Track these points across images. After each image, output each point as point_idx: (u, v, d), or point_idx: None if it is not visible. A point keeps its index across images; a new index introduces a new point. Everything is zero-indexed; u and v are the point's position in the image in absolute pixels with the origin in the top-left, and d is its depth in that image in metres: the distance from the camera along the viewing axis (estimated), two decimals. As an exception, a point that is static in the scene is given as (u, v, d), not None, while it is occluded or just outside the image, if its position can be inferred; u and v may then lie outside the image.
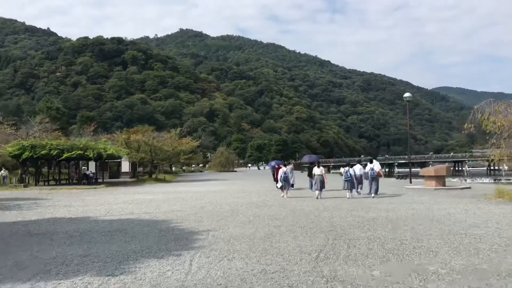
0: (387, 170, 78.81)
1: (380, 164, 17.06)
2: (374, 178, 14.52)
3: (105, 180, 31.02)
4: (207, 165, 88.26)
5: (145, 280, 4.58)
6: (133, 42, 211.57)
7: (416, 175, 27.48)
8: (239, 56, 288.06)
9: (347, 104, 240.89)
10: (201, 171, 74.94)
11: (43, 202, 14.97)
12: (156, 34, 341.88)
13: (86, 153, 25.65)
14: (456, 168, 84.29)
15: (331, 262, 5.17)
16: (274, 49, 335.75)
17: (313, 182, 15.46)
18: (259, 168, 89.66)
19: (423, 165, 74.80)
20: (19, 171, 28.35)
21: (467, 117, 15.58)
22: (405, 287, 4.19)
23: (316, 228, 7.76)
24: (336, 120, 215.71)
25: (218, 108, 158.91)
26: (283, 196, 14.64)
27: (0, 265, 5.38)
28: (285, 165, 16.16)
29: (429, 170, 18.77)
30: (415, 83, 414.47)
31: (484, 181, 48.18)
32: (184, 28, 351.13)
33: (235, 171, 71.17)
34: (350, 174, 14.20)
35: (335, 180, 21.42)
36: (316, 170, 14.48)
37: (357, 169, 15.58)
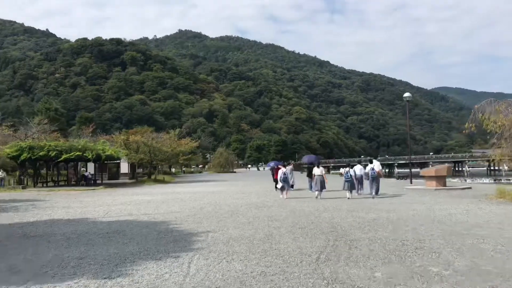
0: (387, 170, 78.77)
1: (380, 164, 16.97)
2: (375, 178, 14.45)
3: (104, 181, 30.92)
4: (206, 166, 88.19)
5: (142, 283, 4.49)
6: (132, 43, 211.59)
7: (416, 176, 27.41)
8: (238, 57, 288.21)
9: (347, 104, 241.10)
10: (200, 172, 74.87)
11: (41, 203, 14.87)
12: (155, 35, 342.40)
13: (84, 154, 25.54)
14: (456, 169, 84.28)
15: (332, 264, 5.08)
16: (273, 49, 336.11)
17: (314, 183, 15.36)
18: (258, 169, 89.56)
19: (423, 165, 74.87)
20: (18, 173, 28.24)
21: (467, 117, 15.52)
22: (408, 289, 4.10)
23: (317, 229, 7.67)
24: (335, 120, 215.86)
25: (217, 108, 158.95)
26: (282, 197, 14.55)
27: (-5, 268, 5.29)
28: (284, 166, 16.07)
29: (430, 171, 18.70)
30: (414, 83, 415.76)
31: (484, 181, 48.15)
32: (183, 29, 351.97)
33: (235, 172, 71.06)
34: (350, 174, 14.12)
35: (335, 181, 21.35)
36: (316, 171, 14.41)
37: (358, 169, 15.49)
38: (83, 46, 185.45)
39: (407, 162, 54.05)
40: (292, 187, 17.31)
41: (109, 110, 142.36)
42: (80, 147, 26.03)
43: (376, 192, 14.39)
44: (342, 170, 16.09)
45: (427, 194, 15.28)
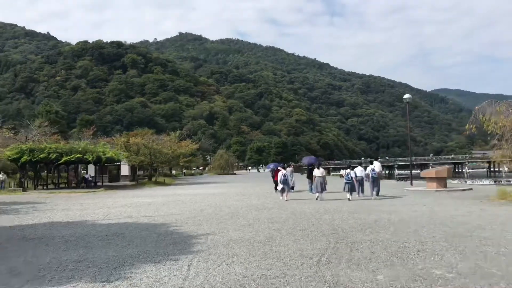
0: (387, 172, 78.71)
1: (381, 165, 16.91)
2: (375, 179, 14.39)
3: (104, 184, 30.88)
4: (207, 168, 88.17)
5: (141, 286, 4.43)
6: (132, 46, 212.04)
7: (417, 177, 27.33)
8: (238, 59, 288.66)
9: (347, 106, 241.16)
10: (201, 174, 74.84)
11: (41, 206, 14.82)
12: (155, 38, 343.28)
13: (85, 157, 25.52)
14: (456, 170, 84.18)
15: (334, 267, 5.01)
16: (273, 52, 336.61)
17: (314, 184, 15.29)
18: (258, 171, 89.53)
19: (423, 167, 74.80)
20: (18, 175, 28.20)
21: (467, 119, 15.50)
22: (410, 292, 4.03)
23: (317, 231, 7.60)
24: (335, 122, 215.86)
25: (217, 111, 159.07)
26: (283, 199, 14.48)
27: (-7, 271, 5.23)
28: (284, 168, 16.01)
29: (431, 172, 18.63)
30: (414, 85, 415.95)
31: (484, 182, 48.08)
32: (184, 32, 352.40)
33: (235, 173, 71.04)
34: (351, 176, 14.06)
35: (335, 182, 21.29)
36: (317, 172, 14.36)
37: (359, 171, 15.42)
38: (84, 49, 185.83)
39: (408, 163, 53.98)
40: (292, 189, 17.25)
41: (110, 112, 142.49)
42: (80, 149, 26.02)
43: (377, 194, 14.33)
44: (342, 172, 16.05)
45: (428, 195, 15.21)
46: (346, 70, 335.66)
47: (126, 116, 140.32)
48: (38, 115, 62.10)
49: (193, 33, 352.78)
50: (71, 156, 25.11)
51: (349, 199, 13.63)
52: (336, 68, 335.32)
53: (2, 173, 27.57)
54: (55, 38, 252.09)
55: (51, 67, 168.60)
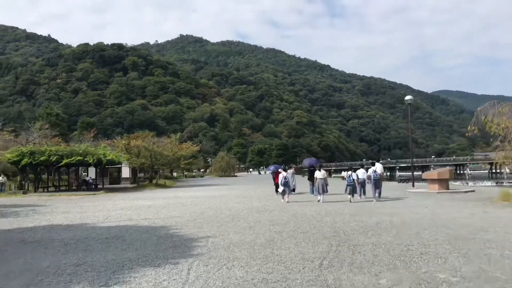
0: (388, 173, 78.53)
1: (383, 167, 16.82)
2: (377, 181, 14.31)
3: (105, 186, 30.81)
4: (208, 170, 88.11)
5: (140, 291, 4.37)
6: (133, 48, 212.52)
7: (418, 179, 27.21)
8: (239, 62, 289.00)
9: (348, 108, 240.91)
10: (202, 176, 74.77)
11: (41, 208, 14.77)
12: (156, 40, 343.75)
13: (85, 159, 25.47)
14: (458, 171, 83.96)
15: (336, 270, 4.94)
16: (274, 54, 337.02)
17: (316, 186, 15.21)
18: (260, 173, 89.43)
19: (425, 168, 74.57)
20: (18, 178, 28.17)
21: (468, 120, 15.41)
22: (414, 296, 3.96)
23: (319, 234, 7.53)
24: (336, 124, 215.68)
25: (218, 113, 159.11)
26: (284, 201, 14.40)
27: (-10, 275, 5.17)
28: (285, 170, 15.94)
29: (432, 174, 18.52)
30: (415, 86, 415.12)
31: (486, 184, 47.92)
32: (184, 34, 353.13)
33: (236, 175, 70.94)
34: (352, 178, 13.99)
35: (337, 184, 21.20)
36: (318, 174, 14.28)
37: (360, 173, 15.35)
38: (85, 51, 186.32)
39: (409, 165, 53.81)
40: (294, 191, 17.18)
41: (111, 115, 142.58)
42: (81, 151, 25.97)
43: (379, 196, 14.25)
44: (344, 174, 15.97)
45: (430, 197, 15.12)
46: (347, 72, 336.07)
47: (127, 119, 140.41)
48: (38, 117, 62.22)
49: (194, 35, 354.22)
50: (72, 159, 25.06)
51: (350, 201, 13.56)
52: (337, 70, 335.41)
53: (2, 176, 27.51)
54: (56, 41, 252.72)
55: (52, 70, 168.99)
